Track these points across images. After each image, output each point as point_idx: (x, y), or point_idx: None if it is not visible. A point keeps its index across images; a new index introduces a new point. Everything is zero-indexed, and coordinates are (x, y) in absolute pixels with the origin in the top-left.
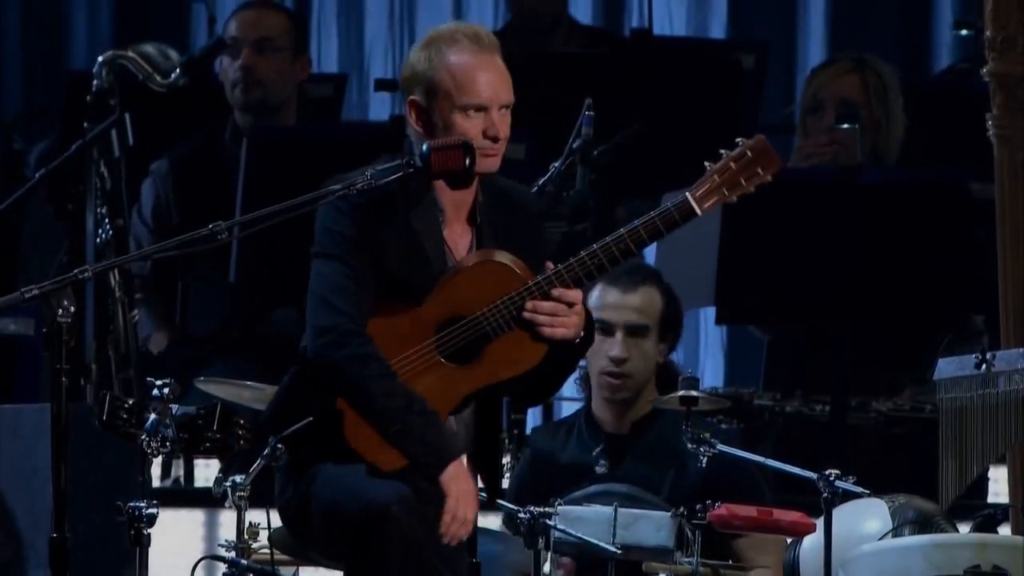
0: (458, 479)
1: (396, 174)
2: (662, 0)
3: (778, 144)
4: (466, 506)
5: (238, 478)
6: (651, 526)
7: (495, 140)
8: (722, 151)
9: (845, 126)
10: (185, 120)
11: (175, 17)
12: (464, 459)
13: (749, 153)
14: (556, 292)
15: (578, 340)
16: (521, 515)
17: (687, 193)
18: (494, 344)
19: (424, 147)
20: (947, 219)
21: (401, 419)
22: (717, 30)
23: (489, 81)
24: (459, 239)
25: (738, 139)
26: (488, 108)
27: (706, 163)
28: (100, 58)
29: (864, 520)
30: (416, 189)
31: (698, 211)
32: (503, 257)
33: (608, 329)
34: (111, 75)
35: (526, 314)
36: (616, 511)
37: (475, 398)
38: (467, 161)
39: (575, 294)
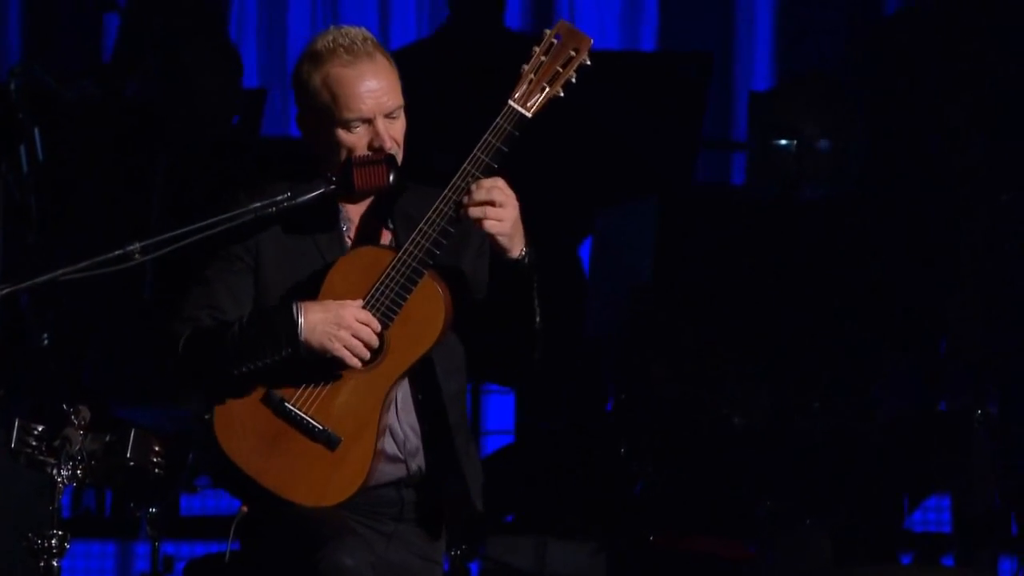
0: (317, 319)
1: (317, 191)
2: (593, 11)
3: (718, 160)
4: (352, 322)
5: (152, 509)
6: (583, 555)
7: (382, 150)
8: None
9: (784, 142)
10: (99, 136)
11: (85, 27)
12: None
13: (555, 40)
14: (475, 185)
15: (519, 260)
16: (454, 552)
17: (509, 100)
18: (391, 330)
19: (346, 164)
20: (889, 235)
21: (242, 350)
22: (648, 42)
23: (368, 91)
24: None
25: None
26: (372, 119)
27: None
28: (9, 70)
29: None
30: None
31: (527, 114)
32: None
33: None
34: (19, 88)
35: (466, 209)
36: (547, 540)
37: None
38: (391, 177)
39: (493, 181)
